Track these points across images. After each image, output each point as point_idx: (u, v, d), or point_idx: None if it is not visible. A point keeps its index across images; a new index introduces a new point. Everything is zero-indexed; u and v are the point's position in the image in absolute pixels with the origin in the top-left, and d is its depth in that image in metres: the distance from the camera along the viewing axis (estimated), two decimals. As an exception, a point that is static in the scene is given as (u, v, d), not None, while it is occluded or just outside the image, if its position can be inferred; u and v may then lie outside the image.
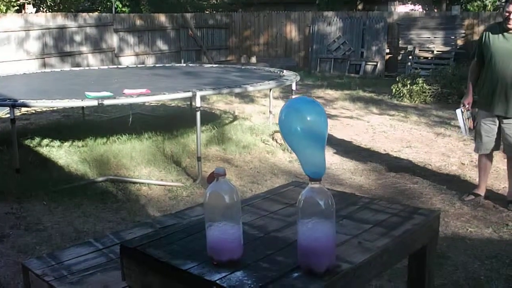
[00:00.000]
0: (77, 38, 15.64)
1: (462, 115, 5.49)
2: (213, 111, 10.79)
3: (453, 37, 15.68)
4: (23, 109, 10.17)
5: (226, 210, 1.84)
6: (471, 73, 5.62)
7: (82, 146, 7.60)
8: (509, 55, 5.09)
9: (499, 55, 5.15)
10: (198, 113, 6.32)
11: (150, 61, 17.48)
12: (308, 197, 1.77)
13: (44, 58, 14.72)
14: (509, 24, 5.03)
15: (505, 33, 5.13)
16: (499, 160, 6.21)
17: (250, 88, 7.45)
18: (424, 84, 11.84)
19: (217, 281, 1.73)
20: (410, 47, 16.03)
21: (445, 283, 3.89)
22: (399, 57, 16.66)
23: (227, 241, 1.85)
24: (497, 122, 5.30)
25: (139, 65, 13.70)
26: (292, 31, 19.25)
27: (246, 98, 12.32)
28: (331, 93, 13.25)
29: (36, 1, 19.81)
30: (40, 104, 6.57)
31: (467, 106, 5.49)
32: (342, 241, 2.01)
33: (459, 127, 6.18)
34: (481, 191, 5.64)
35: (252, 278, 1.75)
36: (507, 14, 5.02)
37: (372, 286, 3.81)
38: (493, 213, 5.26)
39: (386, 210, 2.39)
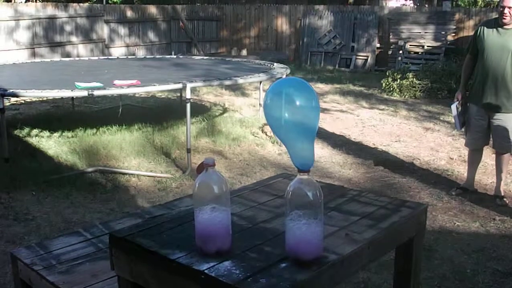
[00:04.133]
0: (68, 28, 15.55)
1: (457, 110, 5.52)
2: (203, 103, 10.79)
3: (443, 33, 15.72)
4: (13, 99, 10.11)
5: (215, 200, 1.85)
6: (465, 68, 5.65)
7: (72, 136, 7.58)
8: (501, 50, 5.12)
9: (492, 49, 5.19)
10: (188, 105, 6.32)
11: (140, 52, 17.41)
12: (297, 188, 1.78)
13: (34, 48, 14.64)
14: (504, 19, 5.06)
15: (499, 28, 5.17)
16: (487, 155, 6.25)
17: (240, 81, 7.45)
18: (414, 79, 11.87)
19: (205, 271, 1.74)
20: (400, 42, 16.06)
21: (431, 276, 3.93)
22: (390, 52, 16.67)
23: (215, 231, 1.86)
24: (487, 117, 5.33)
25: (129, 56, 13.66)
26: (283, 24, 19.22)
27: (236, 90, 12.32)
28: (321, 86, 13.26)
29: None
30: (30, 94, 6.56)
31: (460, 100, 5.52)
32: (330, 233, 2.02)
33: (452, 122, 6.24)
34: (469, 186, 5.68)
35: (240, 268, 1.76)
36: (501, 9, 5.06)
37: (359, 278, 3.84)
38: (481, 208, 5.30)
39: (374, 203, 2.40)
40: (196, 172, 1.94)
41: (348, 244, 1.95)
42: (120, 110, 8.43)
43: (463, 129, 5.74)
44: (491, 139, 5.46)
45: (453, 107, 5.56)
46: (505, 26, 5.13)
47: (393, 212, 2.30)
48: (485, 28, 5.31)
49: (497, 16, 5.22)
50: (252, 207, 2.36)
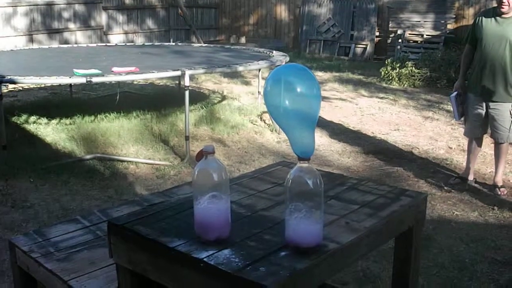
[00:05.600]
0: (66, 15, 15.48)
1: (456, 100, 5.51)
2: (201, 91, 10.76)
3: (443, 21, 15.66)
4: (10, 86, 10.07)
5: (214, 188, 1.84)
6: (464, 58, 5.63)
7: (70, 123, 7.57)
8: (499, 39, 5.11)
9: (490, 38, 5.18)
10: (187, 92, 6.30)
11: (139, 39, 17.34)
12: (297, 176, 1.76)
13: (32, 34, 14.57)
14: (502, 8, 5.04)
15: (497, 17, 5.15)
16: (486, 145, 6.23)
17: (239, 68, 7.44)
18: (413, 68, 11.84)
19: (205, 259, 1.73)
20: (400, 31, 16.01)
21: (430, 265, 3.93)
22: (389, 40, 16.63)
23: (215, 219, 1.85)
24: (485, 106, 5.33)
25: (128, 44, 13.61)
26: (282, 12, 19.15)
27: (235, 78, 12.28)
28: (320, 74, 13.22)
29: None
30: (28, 81, 6.53)
31: (460, 90, 5.51)
32: (330, 221, 2.01)
33: (451, 111, 6.24)
34: (468, 175, 5.67)
35: (239, 256, 1.75)
36: None
37: (359, 266, 3.84)
38: (479, 197, 5.30)
39: (374, 191, 2.39)
40: (196, 160, 1.92)
41: (347, 232, 1.95)
42: (118, 97, 8.40)
43: (462, 119, 5.73)
44: (489, 128, 5.45)
45: (452, 97, 5.55)
46: (503, 15, 5.11)
47: (393, 201, 2.29)
48: (483, 17, 5.30)
49: (496, 5, 5.21)
50: (251, 195, 2.35)
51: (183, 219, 2.04)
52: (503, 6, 5.03)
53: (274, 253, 1.77)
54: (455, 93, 5.51)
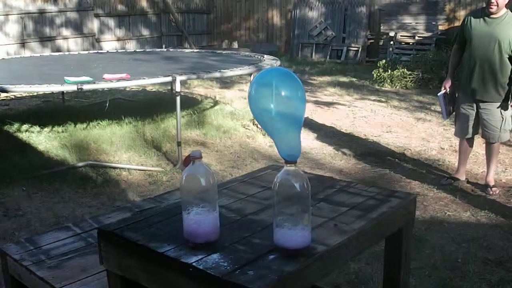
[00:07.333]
0: (58, 22, 15.46)
1: (444, 99, 5.53)
2: (193, 96, 10.76)
3: (434, 23, 15.71)
4: (2, 95, 10.06)
5: (202, 193, 1.84)
6: (452, 58, 5.67)
7: (62, 131, 7.56)
8: (488, 39, 5.14)
9: (479, 39, 5.20)
10: (178, 98, 6.30)
11: (131, 46, 17.33)
12: (284, 180, 1.77)
13: (24, 42, 14.56)
14: (491, 8, 5.06)
15: (486, 18, 5.18)
16: (478, 145, 6.25)
17: (230, 73, 7.43)
18: (405, 70, 11.86)
19: (194, 263, 1.74)
20: (391, 33, 16.05)
21: (422, 266, 3.94)
22: (381, 43, 16.66)
23: (203, 223, 1.86)
24: (475, 106, 5.35)
25: (119, 50, 13.61)
26: (274, 16, 19.17)
27: (227, 83, 12.29)
28: (312, 78, 13.25)
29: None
30: (19, 89, 6.52)
31: (448, 89, 5.54)
32: (318, 224, 2.02)
33: (440, 111, 6.27)
34: (460, 176, 5.70)
35: (228, 260, 1.76)
36: None
37: (351, 269, 3.84)
38: (471, 197, 5.32)
39: (363, 193, 2.40)
40: (183, 165, 1.93)
41: (336, 235, 1.95)
42: (107, 104, 8.39)
43: (452, 118, 5.75)
44: (480, 128, 5.48)
45: (440, 96, 5.57)
46: (492, 16, 5.14)
47: (382, 202, 2.30)
48: (472, 17, 5.32)
49: (484, 5, 5.23)
50: (240, 199, 2.35)
51: (172, 224, 2.05)
52: (491, 6, 5.06)
53: (263, 257, 1.78)
54: (443, 91, 5.54)
